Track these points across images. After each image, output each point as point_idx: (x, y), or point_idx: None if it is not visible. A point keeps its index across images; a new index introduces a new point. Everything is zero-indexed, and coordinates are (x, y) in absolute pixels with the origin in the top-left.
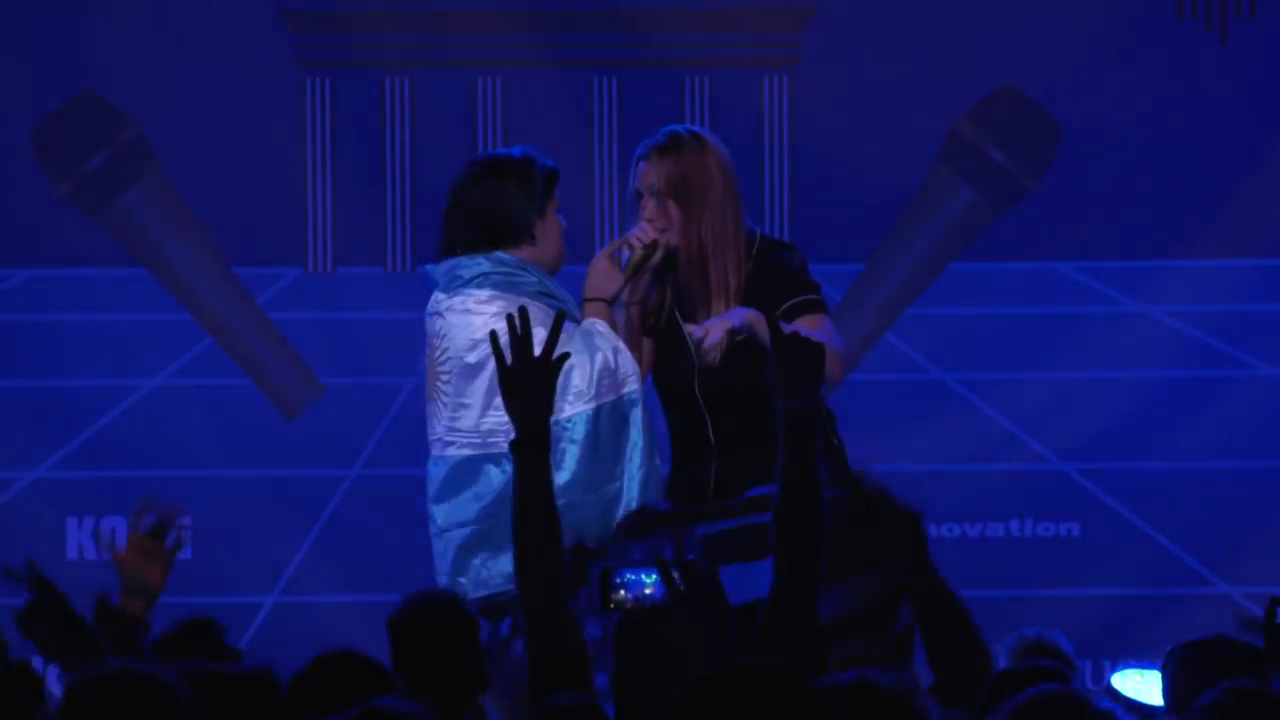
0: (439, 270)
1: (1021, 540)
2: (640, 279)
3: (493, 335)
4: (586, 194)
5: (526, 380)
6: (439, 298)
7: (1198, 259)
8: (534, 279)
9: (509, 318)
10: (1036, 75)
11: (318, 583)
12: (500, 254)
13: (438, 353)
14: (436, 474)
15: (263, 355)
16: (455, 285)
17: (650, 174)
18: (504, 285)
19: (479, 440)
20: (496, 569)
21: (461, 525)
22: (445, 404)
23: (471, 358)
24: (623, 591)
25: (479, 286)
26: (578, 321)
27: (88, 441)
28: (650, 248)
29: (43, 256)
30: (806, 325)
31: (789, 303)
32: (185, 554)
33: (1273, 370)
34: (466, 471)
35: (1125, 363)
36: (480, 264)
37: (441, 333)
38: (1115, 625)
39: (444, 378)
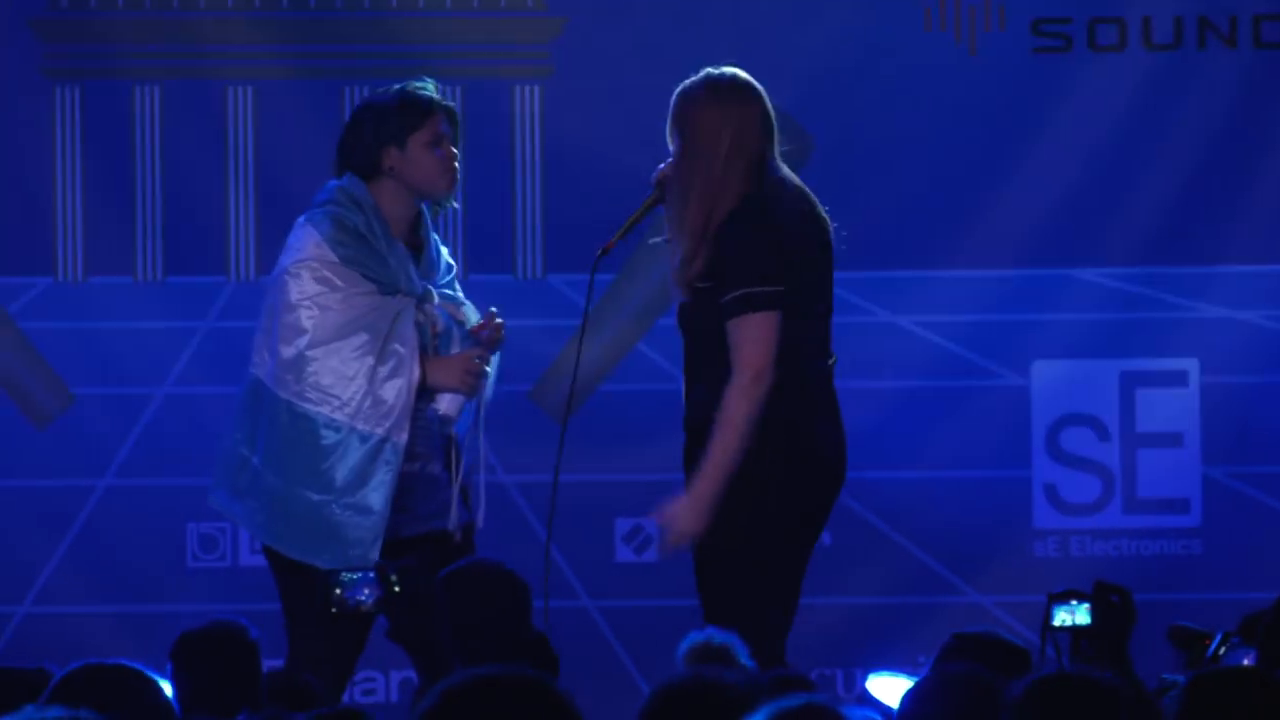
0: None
1: None
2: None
3: None
4: None
5: None
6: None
7: (944, 269)
8: (356, 219)
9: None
10: (787, 86)
11: (69, 593)
12: (351, 187)
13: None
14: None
15: (12, 364)
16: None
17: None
18: (318, 217)
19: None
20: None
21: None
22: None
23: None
24: (338, 591)
25: (316, 208)
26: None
27: None
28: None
29: None
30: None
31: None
32: None
33: (1018, 379)
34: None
35: (874, 373)
36: (329, 189)
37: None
38: (866, 634)
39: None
